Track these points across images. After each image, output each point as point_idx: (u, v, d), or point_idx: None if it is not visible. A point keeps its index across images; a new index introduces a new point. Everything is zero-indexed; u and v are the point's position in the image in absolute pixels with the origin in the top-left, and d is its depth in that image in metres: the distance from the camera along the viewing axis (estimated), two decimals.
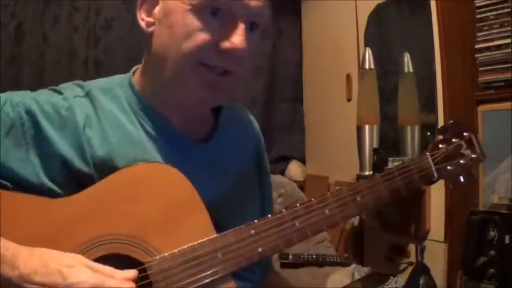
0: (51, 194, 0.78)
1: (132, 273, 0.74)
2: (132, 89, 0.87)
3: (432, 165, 0.95)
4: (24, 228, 0.74)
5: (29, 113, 0.79)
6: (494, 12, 1.68)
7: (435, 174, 0.95)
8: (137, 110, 0.86)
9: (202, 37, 0.78)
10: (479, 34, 1.72)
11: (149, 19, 0.83)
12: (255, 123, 1.06)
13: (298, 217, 0.84)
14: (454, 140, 0.97)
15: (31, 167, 0.78)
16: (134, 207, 0.78)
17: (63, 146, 0.79)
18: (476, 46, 1.73)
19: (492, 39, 1.69)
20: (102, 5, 2.56)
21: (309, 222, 0.84)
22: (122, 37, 2.56)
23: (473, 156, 0.97)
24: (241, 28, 0.78)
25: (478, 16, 1.72)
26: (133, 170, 0.80)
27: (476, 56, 1.73)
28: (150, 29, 0.83)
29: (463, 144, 0.97)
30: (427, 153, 0.96)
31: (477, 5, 1.72)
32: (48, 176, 0.79)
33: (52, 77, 2.43)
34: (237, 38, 0.78)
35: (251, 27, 0.81)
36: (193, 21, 0.78)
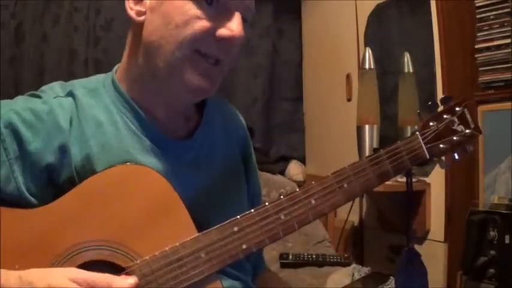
0: (28, 205, 0.76)
1: (133, 280, 0.72)
2: (115, 86, 0.86)
3: (423, 145, 0.89)
4: (2, 241, 0.72)
5: (10, 126, 0.77)
6: (494, 12, 1.68)
7: (426, 154, 0.89)
8: (121, 108, 0.84)
9: (200, 24, 0.78)
10: (479, 34, 1.72)
11: (139, 8, 0.82)
12: (240, 117, 1.04)
13: (283, 210, 0.81)
14: (445, 116, 0.92)
15: (15, 184, 0.76)
16: (112, 212, 0.76)
17: (48, 155, 0.78)
18: (476, 46, 1.73)
19: (492, 39, 1.69)
20: (102, 5, 2.56)
21: (294, 214, 0.81)
22: (122, 37, 2.53)
23: (467, 131, 0.91)
24: (237, 17, 0.79)
25: (478, 16, 1.72)
26: (108, 174, 0.77)
27: (476, 56, 1.73)
28: (141, 18, 0.82)
29: (455, 120, 0.91)
30: (417, 133, 0.90)
31: (477, 5, 1.72)
32: (32, 187, 0.77)
33: (52, 77, 2.42)
34: (236, 26, 0.78)
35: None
36: (191, 9, 0.78)
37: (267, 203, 0.81)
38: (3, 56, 2.37)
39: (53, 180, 0.78)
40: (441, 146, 0.90)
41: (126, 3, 0.83)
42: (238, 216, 0.80)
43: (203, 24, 0.78)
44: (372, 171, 0.86)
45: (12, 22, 2.41)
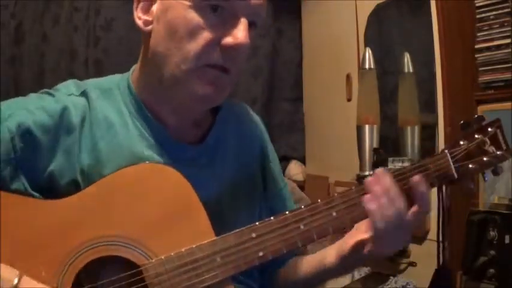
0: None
1: None
2: (129, 89, 0.86)
3: (451, 164, 0.86)
4: (17, 230, 0.72)
5: (21, 125, 0.77)
6: (494, 12, 1.68)
7: (454, 174, 0.87)
8: (132, 111, 0.84)
9: (204, 36, 0.76)
10: (479, 34, 1.72)
11: (146, 17, 0.81)
12: (259, 122, 1.02)
13: (303, 220, 0.79)
14: (476, 136, 0.89)
15: (20, 182, 0.77)
16: (132, 209, 0.76)
17: (54, 157, 0.78)
18: (476, 46, 1.73)
19: (492, 39, 1.69)
20: (102, 5, 2.56)
21: (314, 224, 0.79)
22: (122, 37, 2.56)
23: (498, 153, 0.88)
24: (243, 24, 0.77)
25: (478, 16, 1.72)
26: (131, 171, 0.78)
27: (476, 56, 1.73)
28: (148, 28, 0.81)
29: (487, 140, 0.88)
30: (446, 151, 0.87)
31: (477, 5, 1.72)
32: (35, 186, 0.78)
33: (52, 77, 2.43)
34: (241, 33, 0.76)
35: (250, 26, 0.79)
36: (195, 18, 0.76)
37: (287, 212, 0.80)
38: (3, 56, 2.37)
39: (54, 182, 0.79)
40: (470, 166, 0.88)
41: (135, 13, 0.83)
42: (257, 223, 0.78)
43: (207, 35, 0.76)
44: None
45: (12, 22, 2.42)
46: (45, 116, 0.79)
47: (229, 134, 0.93)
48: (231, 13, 0.77)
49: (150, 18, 0.81)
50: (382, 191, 0.80)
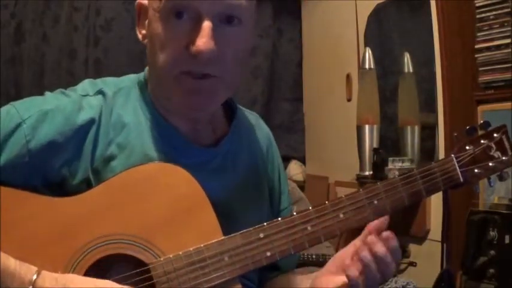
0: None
1: None
2: (145, 89, 0.87)
3: (457, 168, 0.88)
4: (28, 227, 0.74)
5: (36, 128, 0.77)
6: (494, 12, 1.68)
7: (460, 178, 0.88)
8: (147, 112, 0.85)
9: (173, 45, 0.77)
10: (479, 34, 1.72)
11: (144, 31, 0.85)
12: (269, 133, 1.03)
13: (310, 221, 0.80)
14: (482, 141, 0.90)
15: (31, 181, 0.78)
16: (140, 207, 0.77)
17: (70, 158, 0.79)
18: (476, 46, 1.73)
19: (492, 39, 1.69)
20: (102, 5, 2.56)
21: (321, 226, 0.80)
22: (122, 37, 2.56)
23: (503, 158, 0.90)
24: (205, 28, 0.75)
25: (478, 16, 1.72)
26: (141, 170, 0.79)
27: (476, 56, 1.73)
28: (145, 41, 0.84)
29: (493, 146, 0.90)
30: (452, 155, 0.89)
31: (477, 5, 1.72)
32: (46, 185, 0.79)
33: (52, 77, 2.44)
34: (201, 40, 0.74)
35: (229, 21, 0.77)
36: (161, 29, 0.77)
37: (294, 213, 0.81)
38: (3, 56, 2.37)
39: (67, 181, 0.80)
40: (476, 170, 0.89)
41: (137, 28, 0.86)
42: (264, 224, 0.80)
43: (173, 44, 0.76)
44: (404, 190, 0.85)
45: (12, 22, 2.42)
46: (61, 118, 0.79)
47: (241, 141, 0.94)
48: (196, 17, 0.76)
49: (145, 32, 0.84)
50: (373, 259, 0.80)
